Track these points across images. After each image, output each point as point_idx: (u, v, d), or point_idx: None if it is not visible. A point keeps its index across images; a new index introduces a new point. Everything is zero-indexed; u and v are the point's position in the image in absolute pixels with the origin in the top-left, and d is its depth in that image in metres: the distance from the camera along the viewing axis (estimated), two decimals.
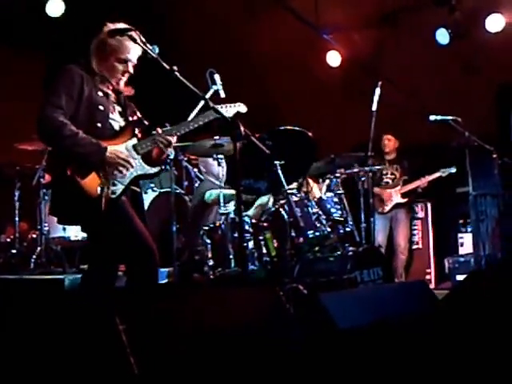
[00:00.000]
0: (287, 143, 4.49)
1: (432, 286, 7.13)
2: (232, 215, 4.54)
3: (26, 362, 3.10)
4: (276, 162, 4.32)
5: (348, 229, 4.85)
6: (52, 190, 3.41)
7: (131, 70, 3.38)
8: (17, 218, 5.90)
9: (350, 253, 4.60)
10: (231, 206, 4.72)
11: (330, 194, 4.95)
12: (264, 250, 4.49)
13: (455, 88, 7.19)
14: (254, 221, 4.60)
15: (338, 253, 4.71)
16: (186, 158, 6.13)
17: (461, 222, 7.52)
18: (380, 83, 5.65)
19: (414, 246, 7.48)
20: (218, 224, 4.63)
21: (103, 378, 2.47)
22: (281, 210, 4.57)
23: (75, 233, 5.52)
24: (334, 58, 7.74)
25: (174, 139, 3.39)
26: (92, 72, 3.31)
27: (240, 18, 7.60)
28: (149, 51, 3.22)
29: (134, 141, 3.35)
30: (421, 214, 7.58)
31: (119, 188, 3.26)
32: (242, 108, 3.69)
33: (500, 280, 2.90)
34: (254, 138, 3.45)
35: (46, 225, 5.62)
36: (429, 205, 7.55)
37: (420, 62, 7.40)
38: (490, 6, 6.88)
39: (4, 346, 3.33)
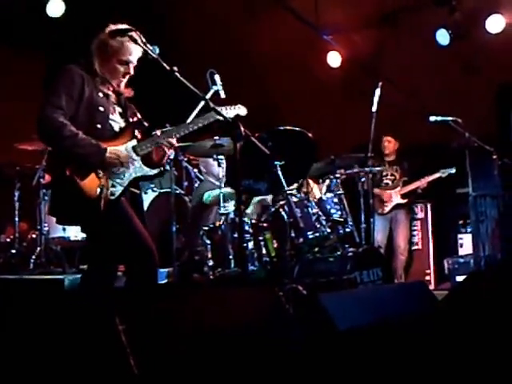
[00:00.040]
0: (287, 143, 4.48)
1: (432, 286, 7.13)
2: (232, 215, 4.55)
3: (26, 362, 3.09)
4: (276, 163, 4.32)
5: (348, 229, 4.85)
6: (51, 190, 3.41)
7: (132, 71, 3.39)
8: (17, 218, 5.90)
9: (350, 253, 4.59)
10: (231, 206, 4.72)
11: (329, 195, 4.95)
12: (264, 251, 4.50)
13: (455, 88, 7.19)
14: (253, 221, 4.61)
15: (338, 253, 4.70)
16: (186, 159, 6.13)
17: (460, 222, 7.53)
18: (380, 83, 5.65)
19: (414, 247, 7.47)
20: (217, 224, 4.64)
21: (103, 378, 2.46)
22: (281, 210, 4.58)
23: (75, 233, 5.52)
24: (334, 59, 7.74)
25: (173, 141, 3.40)
26: (93, 73, 3.31)
27: (240, 18, 7.60)
28: (149, 52, 3.22)
29: (134, 142, 3.35)
30: (420, 215, 7.58)
31: (118, 189, 3.26)
32: (242, 111, 3.69)
33: (500, 281, 2.89)
34: (254, 138, 3.45)
35: (46, 225, 5.62)
36: (429, 205, 7.55)
37: (420, 63, 7.40)
38: (490, 6, 6.88)
39: (4, 346, 3.33)
